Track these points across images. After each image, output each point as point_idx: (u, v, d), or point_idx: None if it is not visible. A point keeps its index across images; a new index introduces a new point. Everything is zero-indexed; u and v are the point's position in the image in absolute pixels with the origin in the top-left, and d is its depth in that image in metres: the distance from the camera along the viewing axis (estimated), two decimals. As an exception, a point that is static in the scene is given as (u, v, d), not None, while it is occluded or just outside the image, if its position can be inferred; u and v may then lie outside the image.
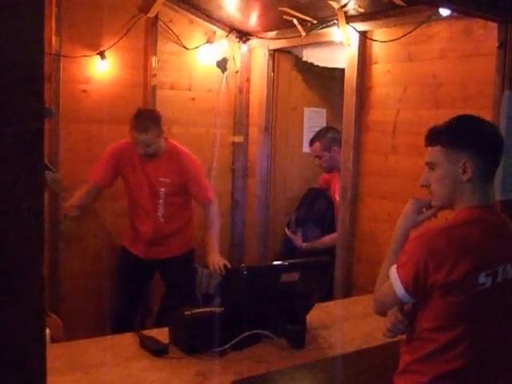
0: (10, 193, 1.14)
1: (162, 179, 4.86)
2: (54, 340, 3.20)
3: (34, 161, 1.16)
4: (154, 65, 5.61)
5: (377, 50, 4.72)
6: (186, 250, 5.16)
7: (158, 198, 4.89)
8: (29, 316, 1.19)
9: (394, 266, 2.49)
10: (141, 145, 4.68)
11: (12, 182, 1.13)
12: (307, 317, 3.25)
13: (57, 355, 2.81)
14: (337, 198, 5.50)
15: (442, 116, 2.65)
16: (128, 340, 3.12)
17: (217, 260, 4.77)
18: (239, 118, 6.24)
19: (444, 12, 3.99)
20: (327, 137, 5.53)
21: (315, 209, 5.63)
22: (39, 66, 1.14)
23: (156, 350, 2.92)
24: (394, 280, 2.45)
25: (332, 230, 5.33)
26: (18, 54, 1.11)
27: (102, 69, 5.38)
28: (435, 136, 2.55)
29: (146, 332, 3.20)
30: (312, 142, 5.55)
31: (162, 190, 4.87)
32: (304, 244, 5.44)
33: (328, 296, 4.54)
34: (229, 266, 4.77)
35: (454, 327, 2.40)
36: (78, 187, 4.91)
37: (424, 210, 2.69)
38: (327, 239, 5.34)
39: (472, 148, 2.46)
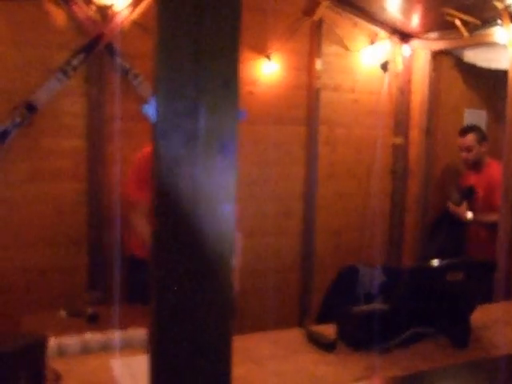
0: (201, 187, 1.23)
1: None
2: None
3: (228, 160, 1.26)
4: (318, 67, 5.70)
5: (542, 50, 4.65)
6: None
7: None
8: (218, 307, 1.28)
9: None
10: None
11: (206, 176, 1.23)
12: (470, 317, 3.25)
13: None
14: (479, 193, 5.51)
15: None
16: (295, 334, 3.20)
17: None
18: (400, 120, 6.24)
19: None
20: (481, 130, 5.56)
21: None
22: (235, 69, 1.25)
23: (324, 345, 2.99)
24: None
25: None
26: (217, 59, 1.23)
27: (268, 71, 5.53)
28: None
29: (314, 327, 3.28)
30: (465, 133, 5.58)
31: None
32: (470, 215, 5.45)
33: (488, 299, 4.52)
34: None
35: None
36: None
37: None
38: (495, 216, 5.32)
39: None
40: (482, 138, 5.58)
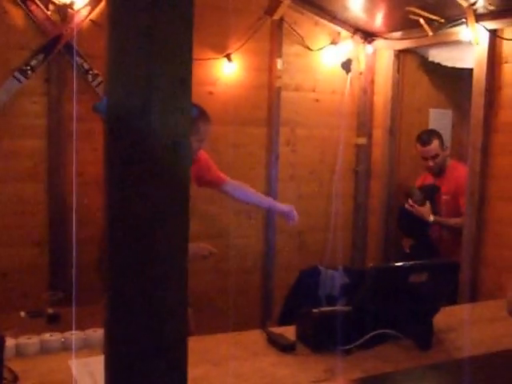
0: (159, 189, 1.21)
1: None
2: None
3: (179, 157, 1.22)
4: (279, 67, 5.66)
5: (507, 48, 4.61)
6: None
7: None
8: (173, 306, 1.26)
9: (528, 266, 2.43)
10: None
11: (159, 175, 1.20)
12: (433, 319, 3.21)
13: (189, 348, 2.87)
14: (444, 197, 5.45)
15: None
16: (255, 336, 3.17)
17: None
18: (363, 120, 6.22)
19: None
20: (441, 135, 5.49)
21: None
22: (189, 67, 1.23)
23: (284, 346, 2.95)
24: (528, 281, 2.40)
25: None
26: (171, 60, 1.19)
27: (228, 71, 5.51)
28: None
29: (273, 329, 3.24)
30: (429, 141, 5.45)
31: None
32: (433, 217, 5.39)
33: (453, 300, 4.48)
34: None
35: None
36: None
37: None
38: (458, 220, 5.27)
39: None
40: (443, 141, 5.51)
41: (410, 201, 5.55)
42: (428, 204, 5.45)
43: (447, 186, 5.51)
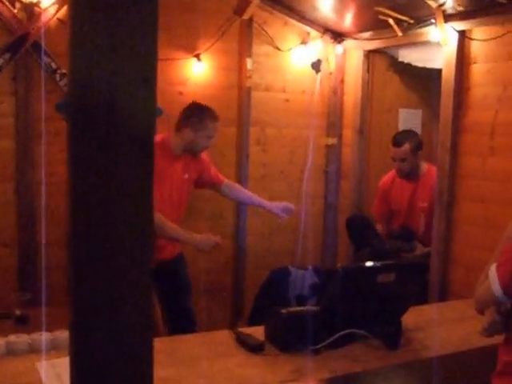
0: (123, 189, 1.20)
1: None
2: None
3: (145, 158, 1.21)
4: (248, 67, 5.66)
5: (476, 49, 4.63)
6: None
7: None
8: (138, 308, 1.25)
9: (495, 264, 2.44)
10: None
11: (125, 178, 1.19)
12: (402, 319, 3.22)
13: (157, 349, 2.85)
14: (421, 204, 5.38)
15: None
16: (224, 337, 3.18)
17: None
18: (333, 120, 6.21)
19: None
20: (416, 140, 5.35)
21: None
22: (154, 66, 1.20)
23: (253, 346, 2.97)
24: (493, 279, 2.40)
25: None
26: (134, 59, 1.17)
27: (197, 71, 5.50)
28: None
29: (242, 329, 3.24)
30: (401, 144, 5.29)
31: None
32: (427, 248, 5.27)
33: (422, 300, 4.48)
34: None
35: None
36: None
37: None
38: None
39: None
40: (417, 146, 5.33)
41: (405, 255, 5.36)
42: (417, 244, 5.34)
43: (423, 192, 5.38)
